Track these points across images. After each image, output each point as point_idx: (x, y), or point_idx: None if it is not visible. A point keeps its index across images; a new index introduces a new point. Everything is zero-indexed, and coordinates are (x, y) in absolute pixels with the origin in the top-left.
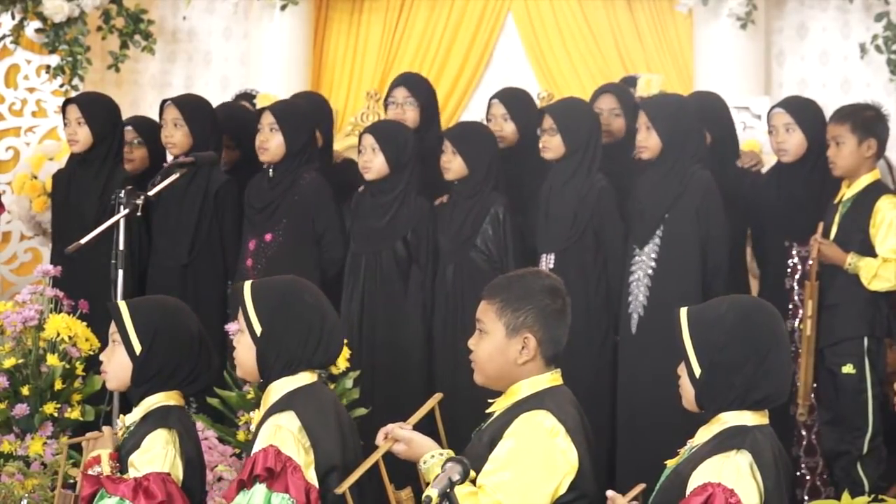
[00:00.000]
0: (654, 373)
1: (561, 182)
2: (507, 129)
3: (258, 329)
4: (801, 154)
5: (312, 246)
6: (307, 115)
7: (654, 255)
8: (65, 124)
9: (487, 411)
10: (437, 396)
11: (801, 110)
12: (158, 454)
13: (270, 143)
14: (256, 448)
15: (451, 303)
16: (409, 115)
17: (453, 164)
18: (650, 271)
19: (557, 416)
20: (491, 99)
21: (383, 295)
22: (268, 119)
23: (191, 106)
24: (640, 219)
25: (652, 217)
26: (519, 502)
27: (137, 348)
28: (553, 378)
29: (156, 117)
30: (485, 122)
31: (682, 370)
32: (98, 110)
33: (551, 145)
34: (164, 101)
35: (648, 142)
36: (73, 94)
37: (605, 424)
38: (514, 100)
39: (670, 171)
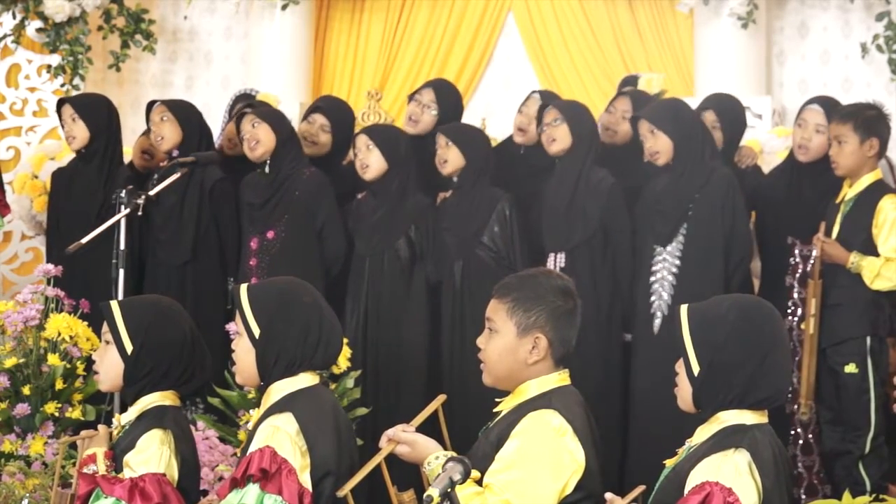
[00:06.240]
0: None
1: (567, 180)
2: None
3: (256, 331)
4: (820, 157)
5: (315, 242)
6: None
7: (678, 254)
8: (62, 125)
9: (494, 410)
10: (441, 398)
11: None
12: (154, 455)
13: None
14: (253, 448)
15: (459, 299)
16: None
17: (449, 156)
18: (675, 270)
19: (565, 415)
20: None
21: (388, 296)
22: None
23: (180, 107)
24: (661, 218)
25: (674, 215)
26: (526, 501)
27: (129, 348)
28: (561, 378)
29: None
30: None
31: (679, 367)
32: (89, 106)
33: (558, 135)
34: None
35: (658, 145)
36: (73, 93)
37: (613, 424)
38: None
39: (688, 168)
